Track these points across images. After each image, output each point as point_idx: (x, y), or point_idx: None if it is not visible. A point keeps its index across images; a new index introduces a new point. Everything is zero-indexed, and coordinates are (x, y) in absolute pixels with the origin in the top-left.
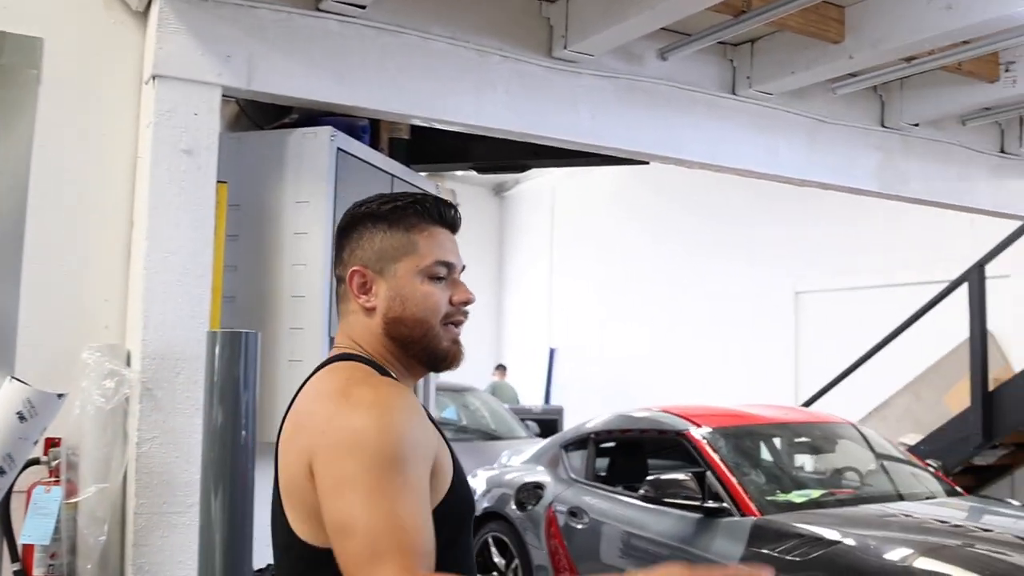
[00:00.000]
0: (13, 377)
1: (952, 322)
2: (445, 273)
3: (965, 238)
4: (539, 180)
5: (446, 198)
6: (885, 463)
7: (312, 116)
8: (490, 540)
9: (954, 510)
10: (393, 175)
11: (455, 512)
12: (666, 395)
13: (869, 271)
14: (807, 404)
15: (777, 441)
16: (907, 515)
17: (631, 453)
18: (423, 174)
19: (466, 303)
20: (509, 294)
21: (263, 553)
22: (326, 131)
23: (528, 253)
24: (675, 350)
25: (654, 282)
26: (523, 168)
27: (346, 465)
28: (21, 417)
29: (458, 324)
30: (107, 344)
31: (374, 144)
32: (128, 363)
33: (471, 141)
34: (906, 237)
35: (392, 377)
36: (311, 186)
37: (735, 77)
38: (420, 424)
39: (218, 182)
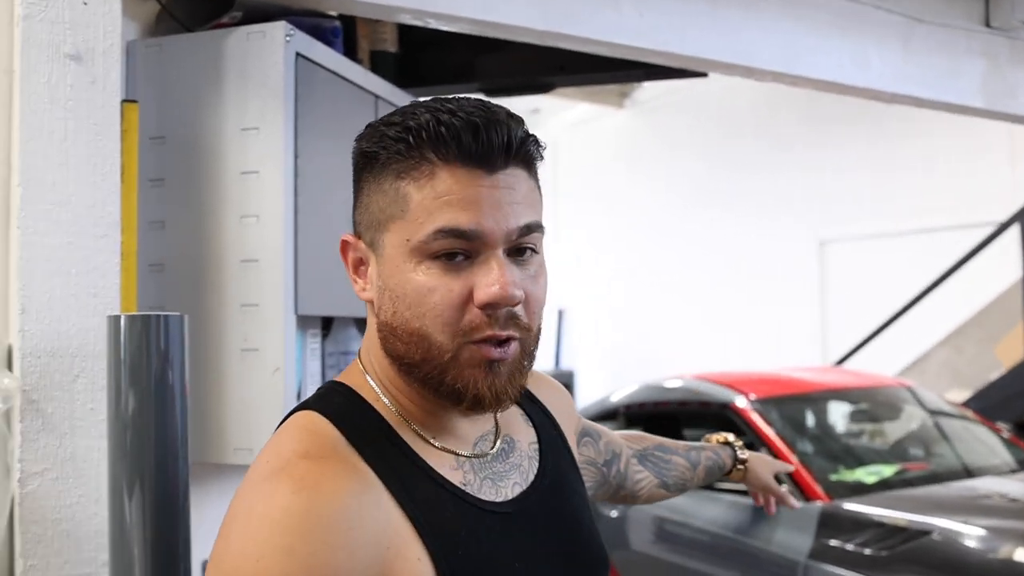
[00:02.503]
0: None
1: (990, 269)
2: (461, 248)
3: (1005, 177)
4: (538, 132)
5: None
6: (950, 431)
7: (261, 12)
8: None
9: None
10: (377, 96)
11: None
12: (684, 356)
13: (900, 216)
14: (840, 362)
15: (832, 409)
16: (1001, 495)
17: (666, 428)
18: (420, 99)
19: (493, 305)
20: None
21: None
22: (279, 28)
23: None
24: (690, 307)
25: (666, 237)
26: (546, 88)
27: None
28: None
29: (489, 341)
30: None
31: (351, 55)
32: (9, 364)
33: (479, 55)
34: (940, 178)
35: (403, 429)
36: (261, 107)
37: None
38: (340, 549)
39: (125, 102)
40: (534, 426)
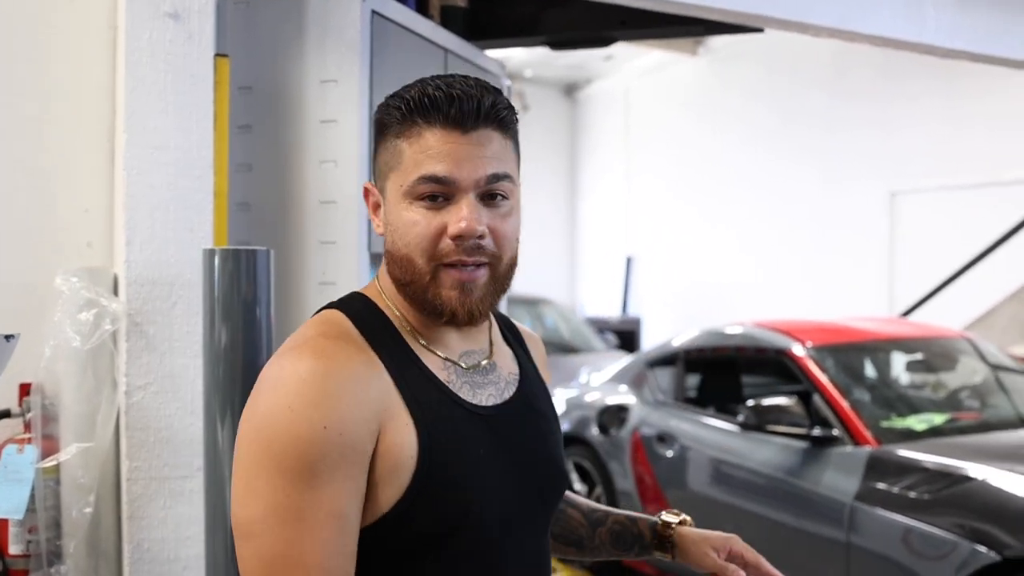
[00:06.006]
0: None
1: None
2: (439, 191)
3: None
4: (612, 80)
5: (482, 80)
6: (1008, 383)
7: None
8: (570, 465)
9: None
10: (447, 49)
11: (425, 516)
12: (749, 305)
13: (972, 169)
14: (905, 314)
15: (888, 359)
16: None
17: (723, 373)
18: (485, 52)
19: (459, 237)
20: (583, 200)
21: None
22: None
23: (603, 157)
24: (758, 257)
25: (735, 187)
26: (607, 42)
27: (246, 458)
28: None
29: (460, 266)
30: (86, 267)
31: (422, 11)
32: (116, 291)
33: (546, 10)
34: (1014, 132)
35: (396, 325)
36: (339, 60)
37: None
38: (350, 405)
39: (218, 56)
40: (519, 365)
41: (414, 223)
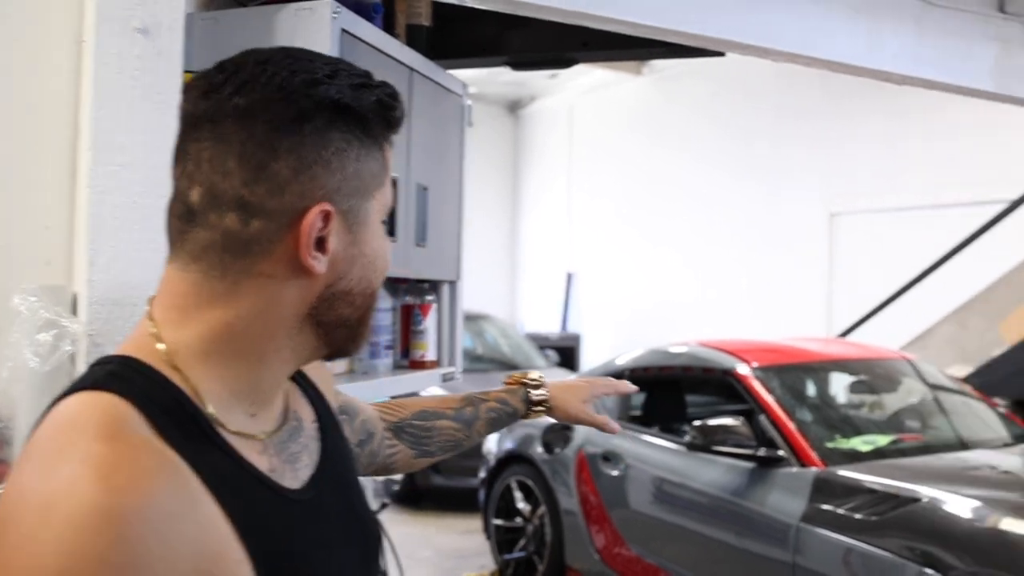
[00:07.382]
0: None
1: (998, 247)
2: None
3: (1018, 156)
4: (556, 97)
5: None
6: (948, 404)
7: None
8: (513, 484)
9: None
10: (412, 69)
11: None
12: (690, 323)
13: (911, 191)
14: (844, 335)
15: (832, 380)
16: (991, 467)
17: (669, 392)
18: (448, 71)
19: None
20: (525, 217)
21: None
22: (326, 6)
23: (545, 174)
24: (699, 275)
25: (678, 205)
26: (569, 63)
27: None
28: None
29: None
30: (45, 286)
31: (388, 29)
32: (74, 311)
33: (507, 30)
34: (953, 154)
35: (194, 410)
36: None
37: None
38: (161, 559)
39: (186, 72)
40: (311, 402)
41: (386, 251)
